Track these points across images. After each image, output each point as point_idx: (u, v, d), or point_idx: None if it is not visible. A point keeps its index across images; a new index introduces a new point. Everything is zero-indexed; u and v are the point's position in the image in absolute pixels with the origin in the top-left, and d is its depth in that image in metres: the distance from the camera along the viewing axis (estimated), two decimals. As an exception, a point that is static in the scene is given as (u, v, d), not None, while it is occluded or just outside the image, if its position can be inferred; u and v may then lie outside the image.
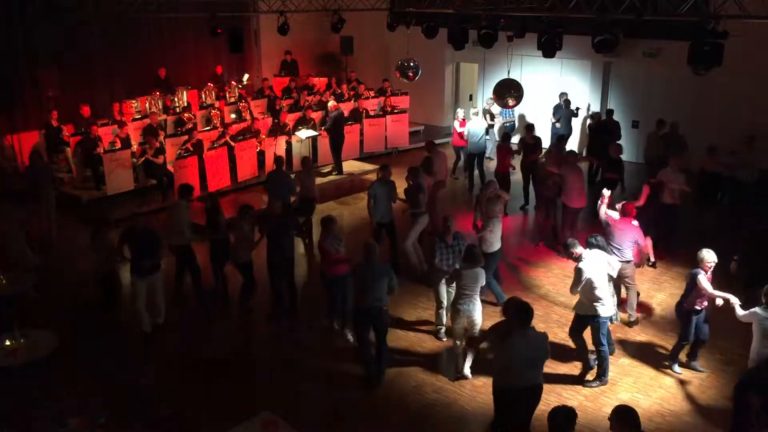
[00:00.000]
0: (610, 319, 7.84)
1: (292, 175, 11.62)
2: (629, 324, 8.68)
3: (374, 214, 9.85)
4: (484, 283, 7.57)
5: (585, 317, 7.39)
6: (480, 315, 7.61)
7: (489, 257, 8.64)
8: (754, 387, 5.96)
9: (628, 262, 8.40)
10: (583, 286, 7.22)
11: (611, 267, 7.55)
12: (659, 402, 7.21)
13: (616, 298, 8.49)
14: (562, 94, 15.33)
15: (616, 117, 14.50)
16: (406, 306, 9.25)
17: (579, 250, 7.41)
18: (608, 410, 4.91)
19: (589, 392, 7.36)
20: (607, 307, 7.31)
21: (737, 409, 6.24)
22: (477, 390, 7.39)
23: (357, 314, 7.46)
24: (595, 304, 7.22)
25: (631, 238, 8.39)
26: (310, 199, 11.19)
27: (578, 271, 7.22)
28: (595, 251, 7.40)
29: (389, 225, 10.02)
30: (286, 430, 6.06)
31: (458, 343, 7.71)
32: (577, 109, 15.51)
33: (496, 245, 8.94)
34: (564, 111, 15.19)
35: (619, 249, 8.31)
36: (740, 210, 11.90)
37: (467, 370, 7.59)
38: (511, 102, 11.74)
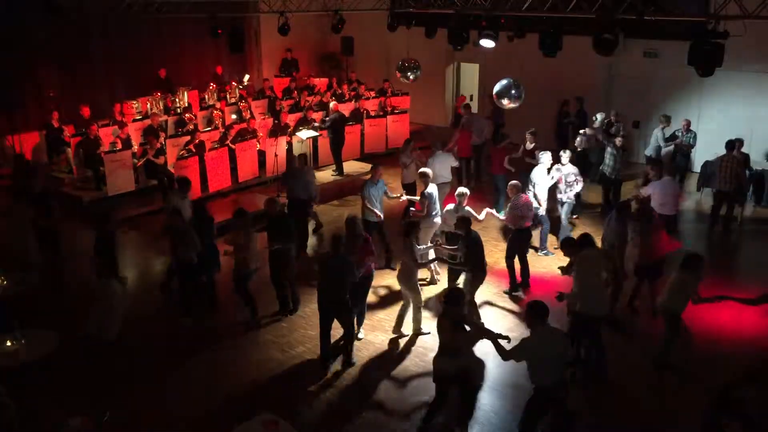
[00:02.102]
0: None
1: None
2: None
3: (370, 215, 9.92)
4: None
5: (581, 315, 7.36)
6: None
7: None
8: (727, 411, 5.65)
9: None
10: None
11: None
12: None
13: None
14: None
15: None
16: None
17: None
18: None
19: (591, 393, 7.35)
20: (591, 306, 7.25)
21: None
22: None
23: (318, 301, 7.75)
24: (588, 303, 7.22)
25: None
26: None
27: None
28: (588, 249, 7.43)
29: (380, 224, 10.16)
30: (286, 429, 6.05)
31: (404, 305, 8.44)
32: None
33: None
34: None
35: None
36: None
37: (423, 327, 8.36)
38: (510, 103, 11.62)
